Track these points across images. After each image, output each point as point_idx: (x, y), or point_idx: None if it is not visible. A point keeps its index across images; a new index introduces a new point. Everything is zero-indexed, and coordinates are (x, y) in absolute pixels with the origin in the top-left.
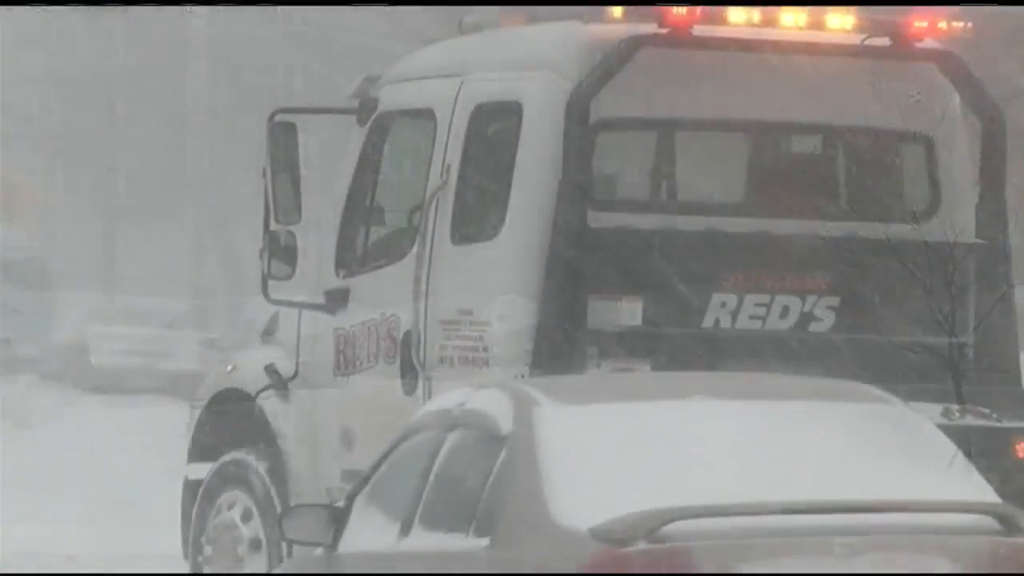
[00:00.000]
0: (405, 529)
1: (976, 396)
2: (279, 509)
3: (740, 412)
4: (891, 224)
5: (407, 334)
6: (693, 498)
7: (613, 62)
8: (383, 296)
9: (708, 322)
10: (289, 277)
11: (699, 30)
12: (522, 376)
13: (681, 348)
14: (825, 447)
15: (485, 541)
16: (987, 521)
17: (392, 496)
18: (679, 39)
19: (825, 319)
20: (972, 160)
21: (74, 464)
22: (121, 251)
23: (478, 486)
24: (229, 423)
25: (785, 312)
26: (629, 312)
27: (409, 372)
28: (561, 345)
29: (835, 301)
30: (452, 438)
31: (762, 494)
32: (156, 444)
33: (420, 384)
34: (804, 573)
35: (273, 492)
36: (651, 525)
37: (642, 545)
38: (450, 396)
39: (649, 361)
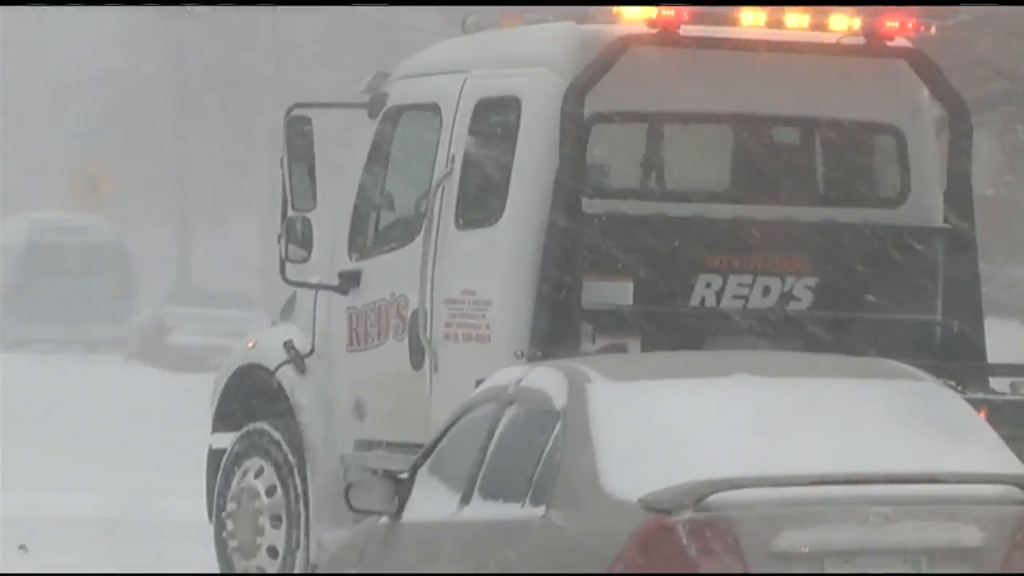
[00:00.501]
0: (465, 499)
1: (943, 370)
2: (297, 474)
3: (780, 389)
4: (865, 209)
5: (415, 313)
6: (736, 470)
7: (605, 59)
8: (393, 277)
9: (695, 301)
10: (305, 260)
11: (686, 29)
12: (521, 353)
13: (670, 325)
14: (861, 422)
15: (540, 510)
16: (1013, 491)
17: (452, 467)
18: (667, 38)
19: (803, 298)
20: (940, 150)
21: (138, 436)
22: (195, 237)
23: (534, 458)
24: (250, 396)
25: (766, 291)
26: (621, 292)
27: (417, 348)
28: (558, 322)
29: (812, 281)
30: (509, 413)
31: (801, 466)
32: None
33: (427, 360)
34: (841, 540)
35: (291, 459)
36: (697, 495)
37: (688, 514)
38: (507, 373)
39: (640, 337)
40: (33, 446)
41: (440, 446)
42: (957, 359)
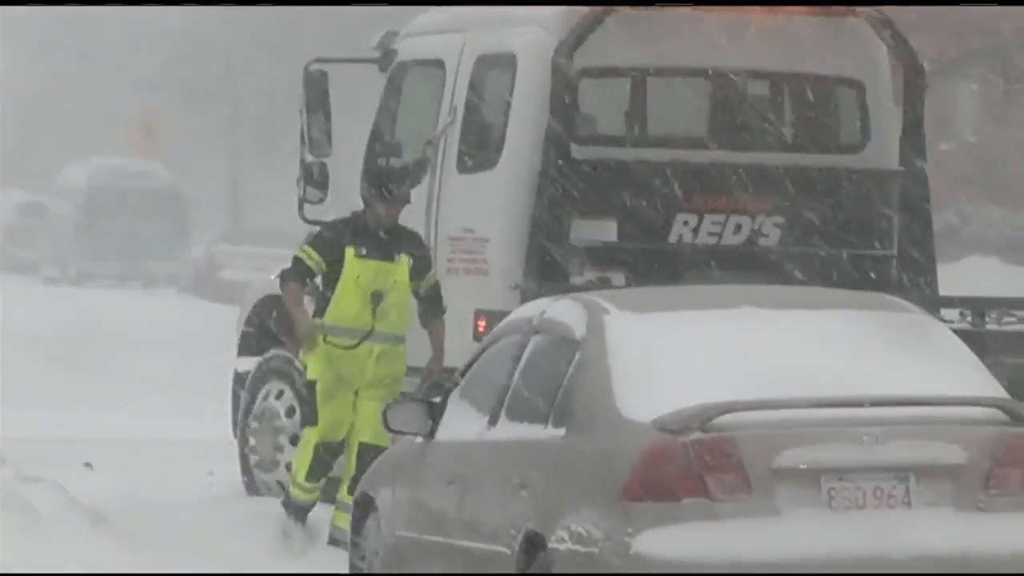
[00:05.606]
0: (492, 421)
1: None
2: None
3: (782, 319)
4: (828, 155)
5: None
6: (741, 394)
7: (592, 19)
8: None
9: (673, 238)
10: (321, 201)
11: None
12: (516, 285)
13: (650, 260)
14: (856, 349)
15: (561, 431)
16: (995, 413)
17: (481, 392)
18: None
19: (771, 235)
20: (896, 100)
21: (192, 362)
22: (245, 181)
23: (555, 384)
24: (271, 324)
25: (738, 229)
26: (606, 230)
27: None
28: (549, 258)
29: (780, 220)
30: (533, 342)
31: (800, 390)
32: None
33: None
34: (836, 458)
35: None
36: (705, 417)
37: (696, 434)
38: (531, 306)
39: (623, 271)
40: (96, 372)
41: (470, 372)
42: (911, 291)
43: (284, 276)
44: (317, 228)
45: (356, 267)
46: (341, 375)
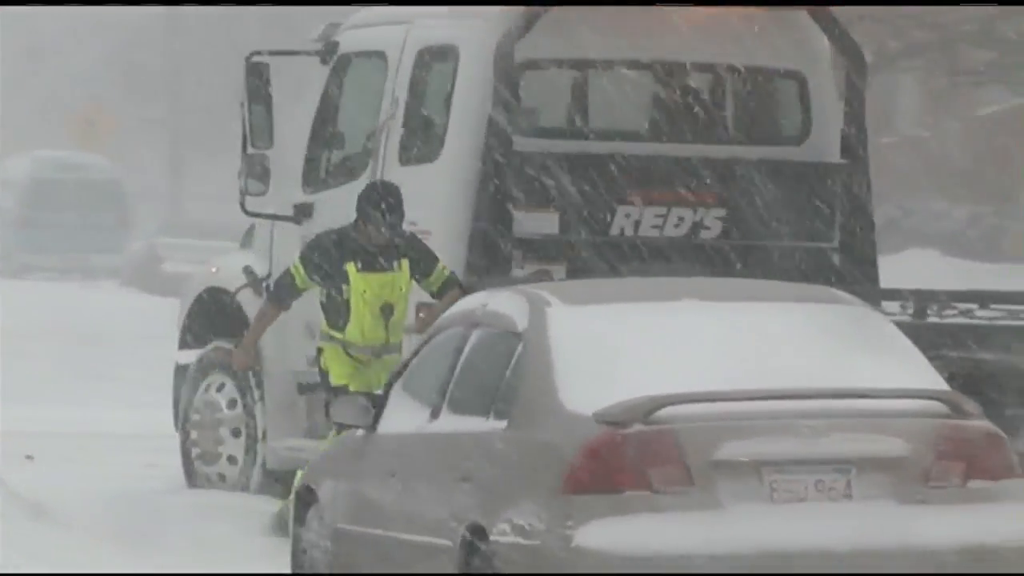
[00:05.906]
0: (435, 413)
1: None
2: (255, 388)
3: (725, 312)
4: (769, 147)
5: None
6: (682, 386)
7: (535, 12)
8: (342, 209)
9: (615, 231)
10: (263, 194)
11: None
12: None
13: (592, 253)
14: (798, 342)
15: (503, 423)
16: (936, 406)
17: (423, 385)
18: None
19: (713, 228)
20: (838, 93)
21: (133, 355)
22: (186, 173)
23: (498, 376)
24: (213, 316)
25: (679, 222)
26: (548, 222)
27: None
28: (491, 250)
29: (721, 212)
30: (476, 335)
31: (742, 383)
32: None
33: None
34: (776, 451)
35: (249, 375)
36: (646, 409)
37: (638, 427)
38: (473, 298)
39: (565, 264)
40: (36, 365)
41: (412, 365)
42: (852, 283)
43: (271, 292)
44: (311, 227)
45: (360, 283)
46: (370, 384)
